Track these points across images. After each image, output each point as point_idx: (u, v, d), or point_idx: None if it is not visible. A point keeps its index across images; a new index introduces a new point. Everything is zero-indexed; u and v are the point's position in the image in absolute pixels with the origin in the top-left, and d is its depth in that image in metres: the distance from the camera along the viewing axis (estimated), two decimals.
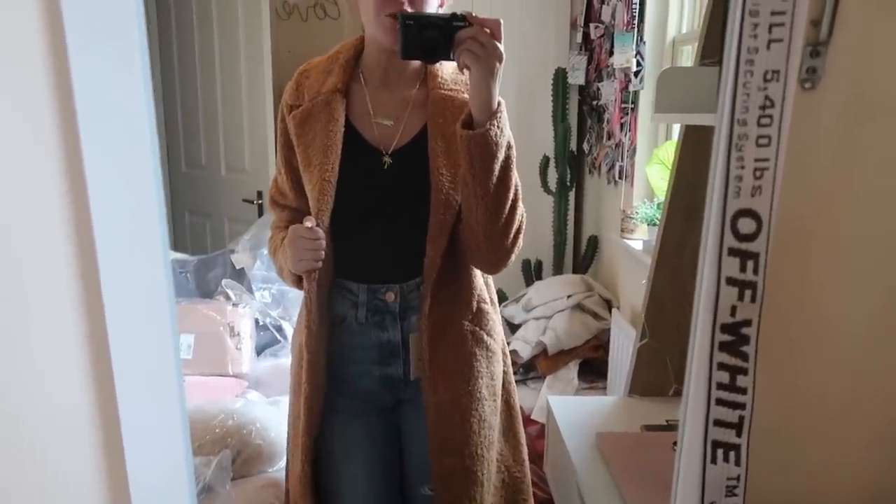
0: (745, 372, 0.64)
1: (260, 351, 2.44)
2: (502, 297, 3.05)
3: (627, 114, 2.56)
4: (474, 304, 1.32)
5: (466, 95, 1.21)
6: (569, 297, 2.79)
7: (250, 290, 2.56)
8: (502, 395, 1.41)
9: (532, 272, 3.14)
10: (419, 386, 1.31)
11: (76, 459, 0.74)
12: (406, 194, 1.26)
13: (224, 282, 2.53)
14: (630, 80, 2.49)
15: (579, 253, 3.19)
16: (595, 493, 1.17)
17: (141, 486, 0.74)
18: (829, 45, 0.61)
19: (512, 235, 1.23)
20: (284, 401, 1.77)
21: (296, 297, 2.65)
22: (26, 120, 0.63)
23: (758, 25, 0.56)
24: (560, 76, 2.93)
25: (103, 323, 0.67)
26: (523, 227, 1.26)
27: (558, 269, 3.14)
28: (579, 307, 2.78)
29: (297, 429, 1.34)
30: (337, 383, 1.34)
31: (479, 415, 1.31)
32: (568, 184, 3.06)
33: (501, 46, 1.09)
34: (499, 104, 1.13)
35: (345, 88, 1.28)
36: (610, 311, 2.72)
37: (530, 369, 2.75)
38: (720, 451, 0.66)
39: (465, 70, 1.12)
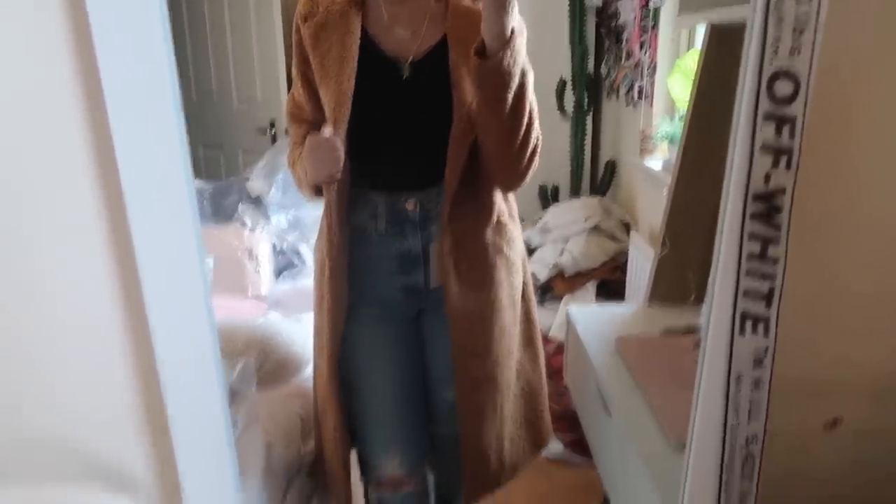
0: (776, 242, 0.63)
1: (278, 274, 2.47)
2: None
3: (647, 31, 2.48)
4: (495, 216, 1.32)
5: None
6: (586, 219, 2.78)
7: (266, 216, 2.57)
8: (522, 307, 1.43)
9: (549, 197, 3.12)
10: (441, 295, 1.32)
11: (109, 363, 0.76)
12: (426, 105, 1.24)
13: (241, 207, 2.54)
14: None
15: (596, 178, 3.16)
16: (617, 395, 1.19)
17: (172, 388, 0.76)
18: None
19: (526, 158, 1.23)
20: (306, 318, 1.81)
21: (312, 221, 2.65)
22: (45, 50, 0.62)
23: None
24: None
25: (128, 232, 0.68)
26: (538, 149, 1.26)
27: (575, 194, 3.12)
28: (596, 229, 2.77)
29: (322, 339, 1.37)
30: (360, 294, 1.35)
31: (500, 323, 1.33)
32: (585, 107, 3.00)
33: None
34: (512, 32, 1.08)
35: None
36: (628, 234, 2.71)
37: (547, 291, 2.77)
38: (749, 323, 0.67)
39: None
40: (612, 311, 1.53)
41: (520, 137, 1.19)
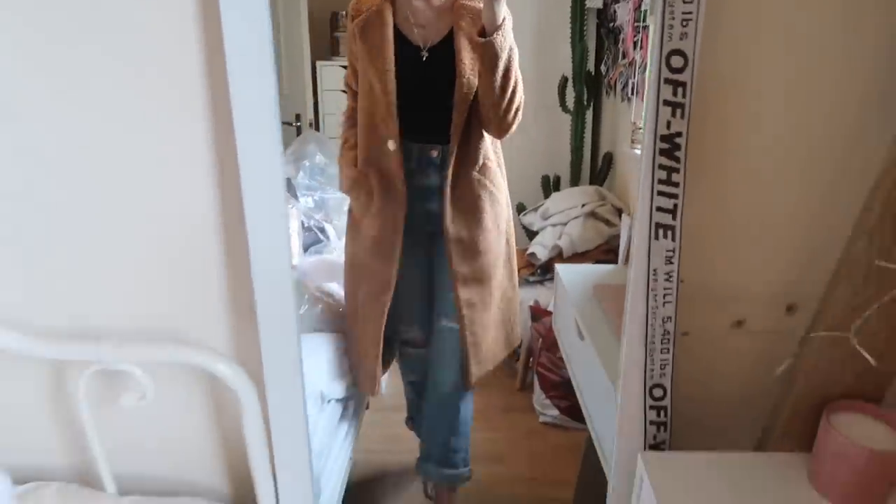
0: (677, 171, 0.90)
1: (306, 249, 2.75)
2: (522, 208, 3.32)
3: (639, 32, 2.75)
4: (481, 159, 1.73)
5: (479, 4, 1.58)
6: (583, 205, 3.04)
7: (295, 197, 2.86)
8: (505, 233, 1.85)
9: (550, 187, 3.39)
10: (443, 224, 1.73)
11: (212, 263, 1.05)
12: (439, 78, 1.65)
13: None
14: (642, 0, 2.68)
15: (596, 168, 3.42)
16: (589, 324, 1.46)
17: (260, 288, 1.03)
18: None
19: (513, 112, 1.64)
20: (327, 286, 2.16)
21: (335, 203, 2.96)
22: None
23: None
24: None
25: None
26: (521, 106, 1.66)
27: (575, 184, 3.38)
28: (593, 215, 3.04)
29: (386, 244, 1.74)
30: None
31: (485, 240, 1.75)
32: (584, 103, 3.27)
33: None
34: (503, 20, 1.50)
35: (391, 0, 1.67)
36: (621, 219, 2.97)
37: (547, 271, 3.03)
38: (661, 230, 0.94)
39: None
40: (593, 269, 1.80)
41: (508, 94, 1.59)
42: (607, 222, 3.03)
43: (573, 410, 2.74)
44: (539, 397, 2.85)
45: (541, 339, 2.83)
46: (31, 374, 1.13)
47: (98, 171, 1.02)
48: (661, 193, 0.92)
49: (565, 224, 3.06)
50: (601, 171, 3.30)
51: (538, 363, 2.85)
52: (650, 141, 0.90)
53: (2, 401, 1.15)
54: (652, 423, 1.04)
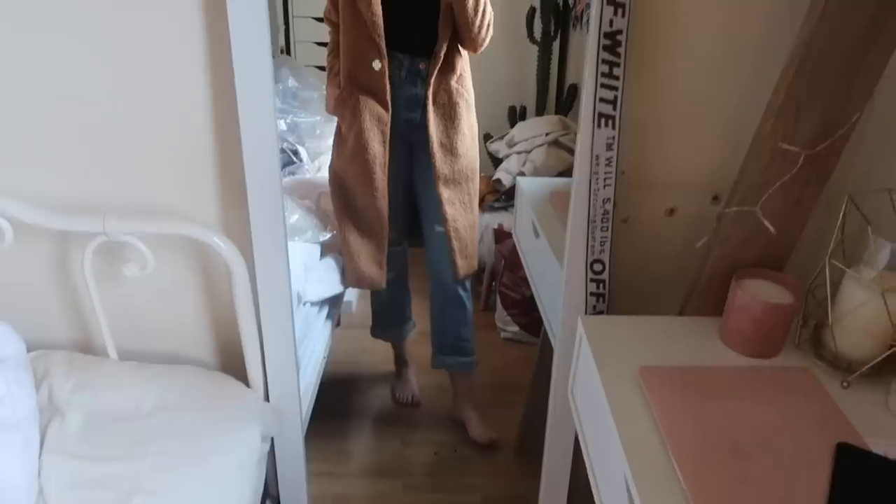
0: (618, 65, 1.04)
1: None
2: (488, 136, 3.44)
3: None
4: (459, 70, 1.92)
5: None
6: (547, 134, 3.17)
7: None
8: (476, 142, 2.07)
9: (517, 116, 3.50)
10: (426, 130, 1.92)
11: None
12: (426, 1, 1.83)
13: None
14: None
15: (561, 100, 3.54)
16: (544, 224, 1.62)
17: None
18: None
19: (486, 28, 1.85)
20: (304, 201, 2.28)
21: (307, 126, 3.04)
22: None
23: None
24: None
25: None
26: (491, 21, 1.87)
27: (540, 115, 3.50)
28: (556, 143, 3.17)
29: (375, 144, 1.91)
30: None
31: (462, 143, 1.96)
32: (552, 35, 3.36)
33: None
34: None
35: None
36: None
37: (511, 197, 3.18)
38: (603, 120, 1.07)
39: None
40: (551, 181, 1.95)
41: (480, 14, 1.82)
42: (570, 150, 3.17)
43: (532, 326, 2.93)
44: (501, 315, 3.03)
45: (503, 260, 3.00)
46: (38, 248, 1.24)
47: (102, 58, 1.12)
48: (603, 86, 1.05)
49: (529, 152, 3.19)
50: (566, 101, 3.42)
51: (501, 283, 3.02)
52: (595, 38, 1.02)
53: (10, 274, 1.27)
54: (592, 294, 1.21)
